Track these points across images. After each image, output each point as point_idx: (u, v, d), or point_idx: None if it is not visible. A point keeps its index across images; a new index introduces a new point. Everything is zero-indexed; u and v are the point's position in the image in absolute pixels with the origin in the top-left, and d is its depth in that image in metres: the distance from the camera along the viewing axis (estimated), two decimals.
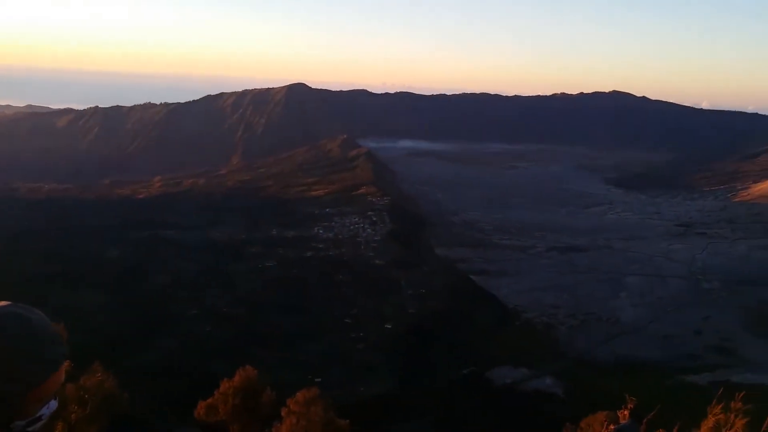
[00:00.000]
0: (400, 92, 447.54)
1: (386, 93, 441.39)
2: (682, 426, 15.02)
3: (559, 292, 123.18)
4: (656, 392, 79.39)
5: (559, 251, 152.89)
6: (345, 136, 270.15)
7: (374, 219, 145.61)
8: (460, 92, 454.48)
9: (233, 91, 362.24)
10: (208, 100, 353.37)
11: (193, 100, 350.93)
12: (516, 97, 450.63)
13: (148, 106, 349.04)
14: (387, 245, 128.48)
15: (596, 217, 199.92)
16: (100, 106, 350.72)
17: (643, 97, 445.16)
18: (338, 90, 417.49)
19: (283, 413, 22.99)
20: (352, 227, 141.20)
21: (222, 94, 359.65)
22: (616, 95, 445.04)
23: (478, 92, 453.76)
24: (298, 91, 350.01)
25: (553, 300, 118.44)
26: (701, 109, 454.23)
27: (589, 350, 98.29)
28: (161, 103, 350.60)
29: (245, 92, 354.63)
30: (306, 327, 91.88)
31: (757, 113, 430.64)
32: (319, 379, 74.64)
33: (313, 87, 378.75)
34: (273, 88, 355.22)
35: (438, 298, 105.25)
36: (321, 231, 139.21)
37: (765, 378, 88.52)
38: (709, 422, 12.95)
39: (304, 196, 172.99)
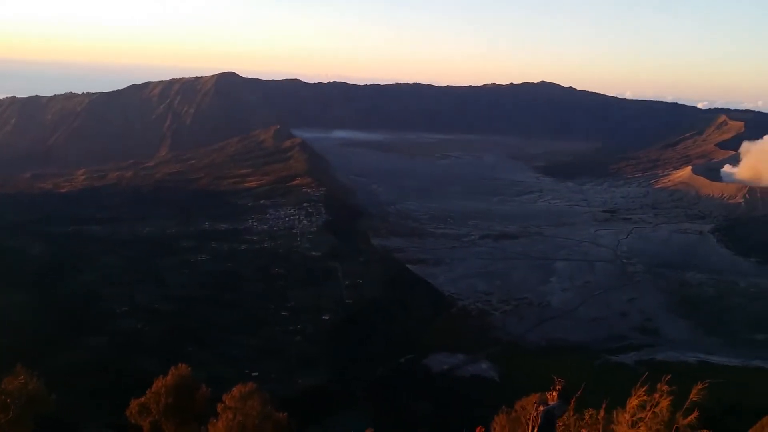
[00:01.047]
0: (334, 82, 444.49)
1: (319, 83, 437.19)
2: (609, 404, 15.42)
3: (493, 278, 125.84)
4: (586, 373, 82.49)
5: (492, 239, 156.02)
6: (278, 126, 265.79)
7: (309, 210, 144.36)
8: (394, 82, 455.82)
9: (160, 80, 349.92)
10: (134, 89, 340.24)
11: (118, 90, 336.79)
12: (448, 88, 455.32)
13: (69, 96, 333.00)
14: (323, 236, 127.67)
15: (527, 204, 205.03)
16: (17, 96, 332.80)
17: (570, 88, 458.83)
18: (270, 79, 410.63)
19: (218, 409, 22.67)
20: (287, 219, 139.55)
21: (148, 83, 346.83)
22: (544, 85, 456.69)
23: (411, 82, 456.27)
24: (228, 81, 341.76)
25: (486, 286, 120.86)
26: (625, 98, 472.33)
27: (522, 334, 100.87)
28: (83, 93, 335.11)
29: (173, 81, 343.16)
30: (241, 321, 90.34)
31: (676, 103, 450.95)
32: (256, 374, 74.04)
33: (243, 76, 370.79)
34: (202, 77, 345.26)
35: (375, 287, 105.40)
36: (255, 223, 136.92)
37: (686, 356, 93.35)
38: (633, 402, 13.30)
39: (237, 187, 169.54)
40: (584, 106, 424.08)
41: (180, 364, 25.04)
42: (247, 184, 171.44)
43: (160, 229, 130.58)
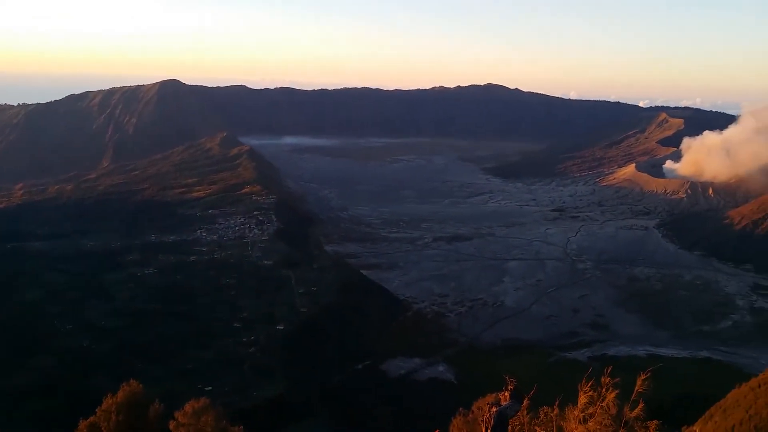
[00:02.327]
0: (281, 88, 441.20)
1: (266, 89, 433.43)
2: (563, 401, 15.29)
3: (447, 280, 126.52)
4: (540, 370, 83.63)
5: (445, 241, 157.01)
6: (224, 133, 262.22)
7: (260, 218, 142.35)
8: (341, 87, 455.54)
9: (100, 89, 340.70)
10: (72, 99, 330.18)
11: (56, 100, 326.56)
12: (396, 91, 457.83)
13: (4, 108, 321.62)
14: (275, 245, 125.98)
15: (478, 206, 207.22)
16: None
17: (516, 89, 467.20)
18: (215, 86, 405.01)
19: (171, 426, 22.00)
20: (237, 228, 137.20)
21: (87, 93, 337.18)
22: (491, 88, 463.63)
23: (359, 87, 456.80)
24: (171, 88, 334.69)
25: (441, 289, 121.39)
26: (569, 99, 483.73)
27: (478, 335, 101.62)
28: (19, 104, 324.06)
29: (113, 90, 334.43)
30: (193, 334, 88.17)
31: (619, 102, 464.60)
32: (210, 387, 72.38)
33: (187, 83, 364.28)
34: (144, 85, 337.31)
35: (329, 294, 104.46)
36: (204, 234, 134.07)
37: (637, 349, 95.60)
38: (582, 399, 13.17)
39: (183, 198, 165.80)
40: (530, 107, 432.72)
41: (131, 381, 24.22)
42: (194, 194, 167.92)
43: (105, 242, 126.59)
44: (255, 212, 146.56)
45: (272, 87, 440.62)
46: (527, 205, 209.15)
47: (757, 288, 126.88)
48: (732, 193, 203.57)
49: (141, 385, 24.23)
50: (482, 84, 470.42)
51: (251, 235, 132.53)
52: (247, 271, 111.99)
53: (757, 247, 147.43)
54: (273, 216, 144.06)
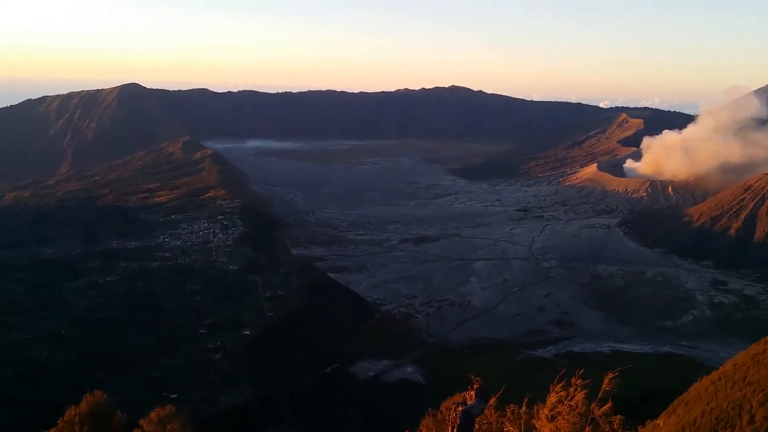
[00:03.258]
0: (244, 91, 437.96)
1: (229, 92, 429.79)
2: (530, 399, 15.37)
3: (415, 281, 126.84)
4: (508, 368, 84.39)
5: (412, 242, 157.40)
6: (187, 137, 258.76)
7: (225, 223, 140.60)
8: (306, 90, 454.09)
9: (57, 94, 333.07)
10: (29, 104, 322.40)
11: (11, 105, 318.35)
12: (362, 94, 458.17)
13: None
14: (240, 249, 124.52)
15: (444, 207, 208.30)
16: None
17: (480, 91, 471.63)
18: (177, 90, 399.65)
19: None
20: (201, 233, 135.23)
21: (44, 97, 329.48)
22: (454, 89, 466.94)
23: (323, 89, 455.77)
24: (131, 92, 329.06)
25: (409, 290, 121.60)
26: (532, 100, 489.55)
27: (446, 335, 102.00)
28: None
29: (71, 95, 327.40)
30: (157, 342, 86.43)
31: (580, 103, 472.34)
32: (175, 395, 71.24)
33: (148, 87, 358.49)
34: (103, 89, 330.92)
35: (297, 298, 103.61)
36: (167, 239, 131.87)
37: (601, 346, 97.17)
38: (552, 398, 13.26)
39: (146, 203, 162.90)
40: (494, 108, 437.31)
41: (95, 391, 23.71)
42: (156, 199, 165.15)
43: (64, 250, 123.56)
44: (219, 216, 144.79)
45: (235, 90, 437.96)
46: (492, 205, 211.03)
47: (716, 283, 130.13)
48: (691, 191, 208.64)
49: (104, 395, 23.85)
50: (446, 86, 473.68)
51: (216, 239, 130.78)
52: (212, 277, 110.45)
53: (715, 244, 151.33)
54: (238, 220, 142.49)
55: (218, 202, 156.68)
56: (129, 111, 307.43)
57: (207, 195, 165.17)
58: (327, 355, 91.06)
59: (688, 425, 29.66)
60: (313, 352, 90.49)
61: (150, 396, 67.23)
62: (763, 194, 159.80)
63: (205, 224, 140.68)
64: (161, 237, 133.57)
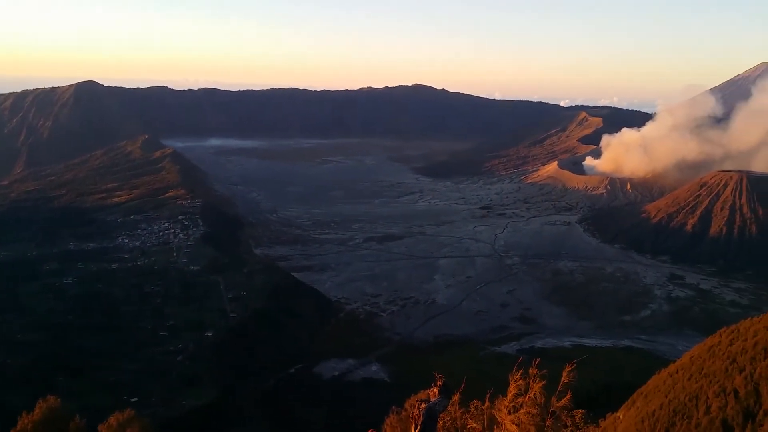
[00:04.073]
0: (205, 88, 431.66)
1: (189, 89, 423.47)
2: (494, 393, 15.40)
3: (379, 280, 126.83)
4: (472, 365, 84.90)
5: (376, 241, 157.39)
6: (146, 136, 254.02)
7: (186, 223, 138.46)
8: (268, 87, 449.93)
9: (11, 91, 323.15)
10: None
11: None
12: (325, 92, 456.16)
13: None
14: (202, 249, 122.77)
15: (408, 205, 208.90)
16: None
17: (443, 90, 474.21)
18: (135, 87, 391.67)
19: None
20: (161, 234, 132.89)
21: None
22: (418, 88, 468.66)
23: (286, 87, 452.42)
24: (88, 90, 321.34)
25: (373, 289, 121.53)
26: (494, 99, 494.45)
27: (411, 333, 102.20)
28: None
29: (25, 92, 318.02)
30: (117, 345, 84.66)
31: (541, 102, 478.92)
32: (136, 399, 70.17)
33: (105, 85, 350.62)
34: (59, 87, 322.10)
35: (259, 298, 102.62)
36: (126, 240, 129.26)
37: (563, 341, 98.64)
38: (512, 389, 13.30)
39: (104, 203, 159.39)
40: (457, 107, 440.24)
41: (48, 397, 23.02)
42: (115, 199, 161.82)
43: (19, 252, 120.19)
44: (180, 216, 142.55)
45: (196, 88, 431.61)
46: (456, 203, 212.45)
47: (674, 278, 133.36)
48: (648, 187, 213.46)
49: (59, 400, 23.29)
50: (410, 84, 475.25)
51: (176, 240, 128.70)
52: (172, 278, 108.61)
53: (672, 239, 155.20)
54: (199, 220, 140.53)
55: (179, 202, 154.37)
56: (86, 109, 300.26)
57: (167, 195, 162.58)
58: (291, 355, 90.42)
59: (647, 417, 30.19)
60: (277, 352, 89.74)
61: (109, 401, 65.86)
62: (718, 191, 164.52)
63: (166, 224, 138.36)
64: (120, 238, 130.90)
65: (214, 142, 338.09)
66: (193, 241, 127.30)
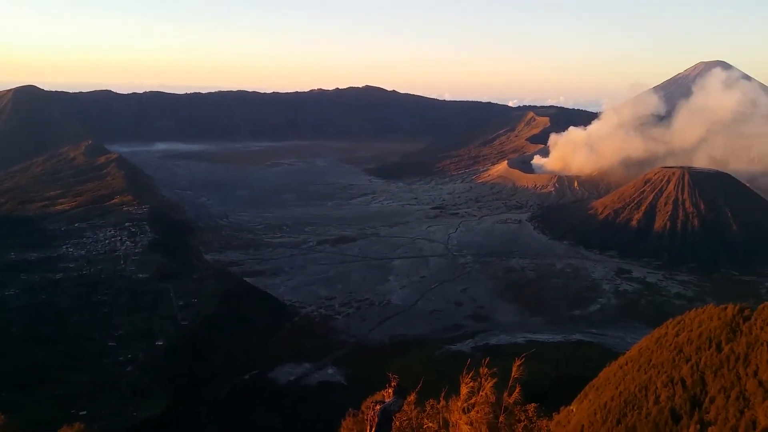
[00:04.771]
0: (150, 91, 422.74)
1: (134, 93, 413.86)
2: (449, 392, 15.39)
3: (334, 283, 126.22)
4: (428, 364, 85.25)
5: (330, 243, 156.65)
6: (90, 141, 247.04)
7: (133, 230, 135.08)
8: (216, 90, 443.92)
9: None
10: None
11: None
12: (274, 94, 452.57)
13: None
14: (150, 256, 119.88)
15: (361, 207, 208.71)
16: None
17: (393, 91, 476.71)
18: (77, 92, 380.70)
19: None
20: (107, 241, 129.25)
21: None
22: (368, 89, 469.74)
23: (234, 90, 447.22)
24: (27, 94, 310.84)
25: (328, 291, 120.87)
26: (444, 100, 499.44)
27: (366, 335, 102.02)
28: None
29: None
30: (64, 357, 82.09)
31: (490, 102, 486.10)
32: (84, 412, 68.50)
33: (45, 89, 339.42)
34: None
35: (212, 305, 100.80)
36: (71, 249, 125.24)
37: (516, 337, 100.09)
38: (464, 389, 13.31)
39: (46, 211, 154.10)
40: (407, 108, 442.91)
41: None
42: (58, 207, 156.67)
43: None
44: (127, 223, 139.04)
45: (141, 91, 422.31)
46: (409, 204, 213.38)
47: (621, 272, 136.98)
48: (595, 185, 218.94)
49: (2, 416, 22.38)
50: (360, 86, 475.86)
51: (123, 247, 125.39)
52: (120, 287, 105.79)
53: (619, 235, 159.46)
54: (147, 226, 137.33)
55: (125, 209, 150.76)
56: (25, 114, 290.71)
57: (113, 201, 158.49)
58: (245, 361, 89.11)
59: (600, 409, 30.80)
60: (230, 359, 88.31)
61: (57, 414, 64.20)
62: (662, 187, 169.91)
63: (112, 232, 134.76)
64: (64, 247, 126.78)
65: (161, 146, 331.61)
66: (141, 248, 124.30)
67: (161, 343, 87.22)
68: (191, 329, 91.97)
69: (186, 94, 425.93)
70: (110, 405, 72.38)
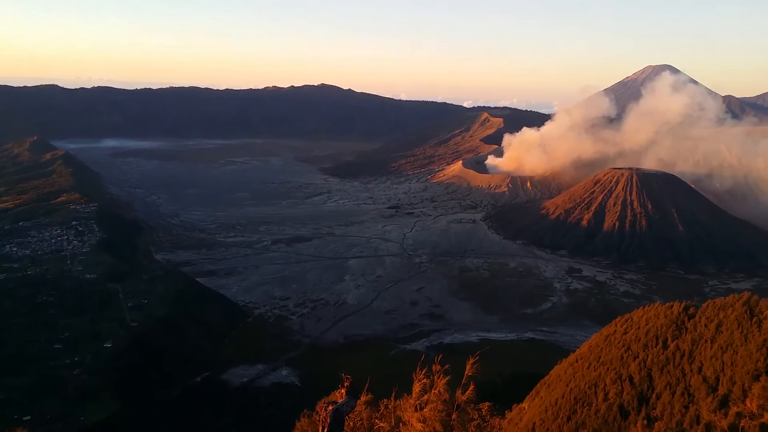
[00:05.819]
0: (99, 87, 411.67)
1: (82, 88, 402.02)
2: (402, 391, 15.36)
3: (288, 283, 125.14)
4: (382, 364, 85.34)
5: (285, 243, 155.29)
6: (35, 137, 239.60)
7: (80, 229, 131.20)
8: (167, 86, 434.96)
9: None
10: None
11: None
12: (228, 91, 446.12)
13: None
14: (98, 256, 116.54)
15: (317, 206, 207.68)
16: None
17: (349, 90, 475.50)
18: (21, 86, 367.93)
19: None
20: (53, 241, 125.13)
21: None
22: (324, 88, 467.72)
23: (186, 86, 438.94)
24: None
25: (282, 292, 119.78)
26: (400, 99, 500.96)
27: (321, 335, 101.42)
28: None
29: None
30: (6, 361, 78.83)
31: (445, 103, 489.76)
32: (28, 417, 66.24)
33: None
34: None
35: (162, 306, 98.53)
36: (15, 248, 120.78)
37: (470, 336, 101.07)
38: (416, 387, 13.31)
39: None
40: (363, 107, 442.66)
41: None
42: (1, 205, 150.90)
43: None
44: (74, 222, 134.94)
45: (89, 86, 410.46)
46: (364, 203, 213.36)
47: (572, 271, 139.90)
48: (547, 185, 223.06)
49: None
50: (316, 84, 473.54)
51: (70, 247, 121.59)
52: (67, 287, 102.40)
53: (570, 234, 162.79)
54: (95, 225, 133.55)
55: (72, 207, 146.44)
56: None
57: (59, 199, 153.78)
58: (197, 363, 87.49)
59: (551, 406, 31.26)
60: (181, 361, 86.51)
61: None
62: (611, 187, 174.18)
63: (58, 231, 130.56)
64: (8, 246, 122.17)
65: (110, 143, 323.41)
66: (89, 248, 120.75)
67: (109, 345, 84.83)
68: (141, 331, 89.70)
69: (136, 90, 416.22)
70: (56, 410, 70.08)
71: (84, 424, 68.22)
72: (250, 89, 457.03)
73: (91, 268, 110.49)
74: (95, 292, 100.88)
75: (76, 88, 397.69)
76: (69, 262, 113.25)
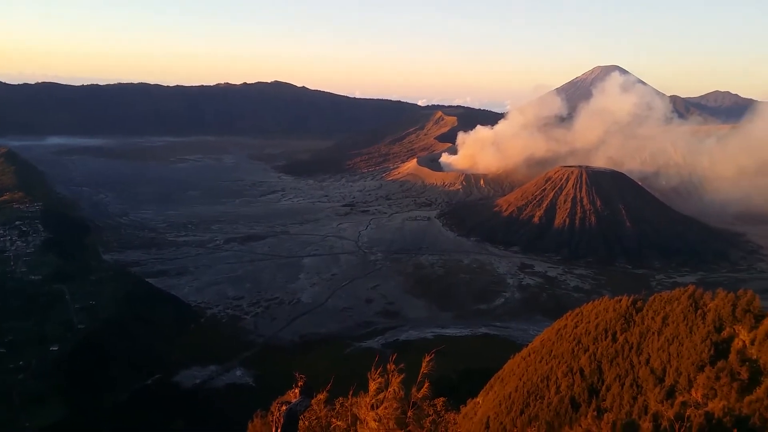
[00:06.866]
0: (43, 82, 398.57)
1: (25, 83, 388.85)
2: (358, 389, 15.30)
3: (242, 282, 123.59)
4: (338, 362, 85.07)
5: (238, 242, 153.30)
6: None
7: (24, 229, 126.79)
8: (115, 82, 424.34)
9: None
10: None
11: None
12: (178, 87, 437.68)
13: None
14: (43, 257, 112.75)
15: (271, 204, 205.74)
16: None
17: (303, 87, 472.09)
18: None
19: None
20: None
21: None
22: (277, 85, 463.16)
23: (135, 82, 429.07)
24: None
25: (236, 291, 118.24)
26: (355, 97, 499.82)
27: (275, 334, 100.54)
28: None
29: None
30: None
31: (400, 101, 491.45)
32: None
33: None
34: None
35: (111, 307, 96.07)
36: None
37: (425, 332, 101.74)
38: (372, 386, 13.29)
39: None
40: (318, 104, 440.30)
41: None
42: None
43: None
44: (17, 222, 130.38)
45: (33, 82, 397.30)
46: (319, 201, 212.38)
47: (524, 267, 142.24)
48: (500, 183, 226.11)
49: None
50: (269, 81, 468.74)
51: (13, 248, 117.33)
52: (10, 289, 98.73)
53: (522, 231, 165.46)
54: (39, 225, 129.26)
55: (15, 206, 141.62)
56: None
57: (2, 198, 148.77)
58: (148, 365, 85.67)
59: (504, 400, 31.67)
60: (131, 364, 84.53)
61: None
62: (561, 185, 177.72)
63: (1, 231, 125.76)
64: None
65: (55, 140, 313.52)
66: (34, 249, 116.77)
67: (56, 349, 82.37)
68: (89, 333, 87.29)
69: (83, 86, 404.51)
70: (0, 416, 67.71)
71: (30, 430, 66.36)
72: (202, 85, 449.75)
73: (36, 269, 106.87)
74: (40, 294, 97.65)
75: (19, 84, 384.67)
76: (12, 263, 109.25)
